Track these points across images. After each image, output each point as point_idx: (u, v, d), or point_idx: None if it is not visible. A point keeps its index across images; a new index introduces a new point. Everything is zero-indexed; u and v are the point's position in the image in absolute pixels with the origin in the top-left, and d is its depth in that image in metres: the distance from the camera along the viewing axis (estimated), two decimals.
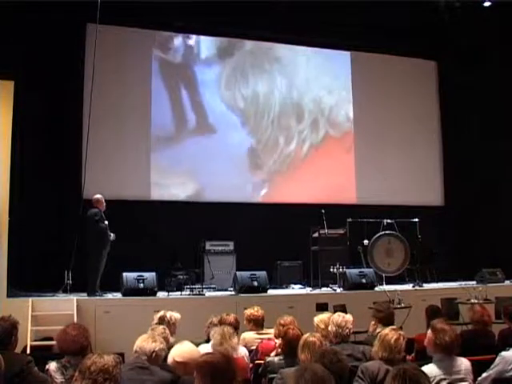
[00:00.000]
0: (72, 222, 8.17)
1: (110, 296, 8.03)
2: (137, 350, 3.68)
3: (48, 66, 9.10)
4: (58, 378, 3.56)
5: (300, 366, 2.55)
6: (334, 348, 3.68)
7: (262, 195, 10.97)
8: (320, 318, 4.75)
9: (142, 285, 7.87)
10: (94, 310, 7.46)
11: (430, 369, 3.62)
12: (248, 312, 5.41)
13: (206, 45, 11.00)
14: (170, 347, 4.22)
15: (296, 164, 11.20)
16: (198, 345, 4.17)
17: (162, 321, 4.97)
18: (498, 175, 11.03)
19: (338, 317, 4.46)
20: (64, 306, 7.39)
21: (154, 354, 3.65)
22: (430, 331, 3.89)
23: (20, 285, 8.02)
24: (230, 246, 9.73)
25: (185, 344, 3.77)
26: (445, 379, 3.62)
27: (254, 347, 4.99)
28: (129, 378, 3.31)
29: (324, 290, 8.85)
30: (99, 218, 8.10)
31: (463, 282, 9.47)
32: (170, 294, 8.23)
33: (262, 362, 4.38)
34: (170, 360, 3.68)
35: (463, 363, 3.75)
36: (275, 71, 11.37)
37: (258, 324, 5.34)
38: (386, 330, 3.83)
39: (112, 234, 8.15)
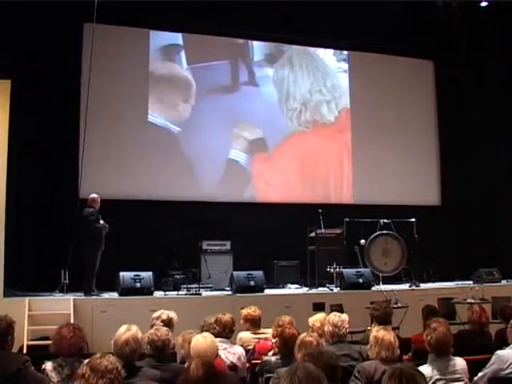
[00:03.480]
0: (69, 221, 8.15)
1: (106, 295, 8.02)
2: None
3: (45, 65, 9.07)
4: (55, 377, 3.54)
5: (292, 365, 2.53)
6: (321, 348, 3.65)
7: (259, 195, 10.96)
8: (314, 318, 4.75)
9: (138, 284, 7.87)
10: (90, 309, 7.47)
11: (425, 370, 3.59)
12: (245, 312, 5.40)
13: (205, 44, 10.96)
14: (172, 348, 4.19)
15: (293, 163, 11.19)
16: None
17: (168, 322, 4.74)
18: (495, 175, 11.05)
19: (335, 316, 4.44)
20: (61, 305, 7.39)
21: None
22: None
23: (16, 284, 8.01)
24: (227, 245, 9.72)
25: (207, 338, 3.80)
26: (440, 379, 3.61)
27: (250, 347, 4.99)
28: None
29: (321, 289, 8.86)
30: (95, 218, 8.09)
31: (460, 282, 9.49)
32: (167, 293, 8.22)
33: (259, 361, 4.38)
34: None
35: (459, 363, 3.73)
36: (273, 70, 11.36)
37: (254, 324, 5.33)
38: (381, 332, 3.77)
39: (103, 222, 8.10)
